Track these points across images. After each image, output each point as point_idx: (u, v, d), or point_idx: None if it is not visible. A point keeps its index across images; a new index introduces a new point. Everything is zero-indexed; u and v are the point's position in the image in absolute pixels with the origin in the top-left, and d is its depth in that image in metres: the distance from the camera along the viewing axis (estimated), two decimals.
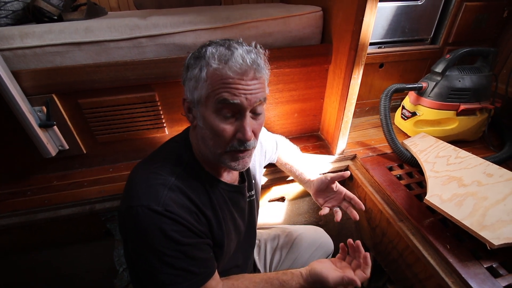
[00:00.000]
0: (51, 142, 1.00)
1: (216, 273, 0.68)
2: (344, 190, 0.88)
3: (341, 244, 0.82)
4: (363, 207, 0.83)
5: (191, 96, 0.61)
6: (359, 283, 0.69)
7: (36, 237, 1.08)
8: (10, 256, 1.11)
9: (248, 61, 0.56)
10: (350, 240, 0.79)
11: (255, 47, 0.61)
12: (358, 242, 0.77)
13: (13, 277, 1.13)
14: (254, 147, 0.65)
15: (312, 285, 0.72)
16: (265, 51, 0.63)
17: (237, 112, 0.60)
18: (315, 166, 1.12)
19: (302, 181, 1.00)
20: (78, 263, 1.15)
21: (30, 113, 0.91)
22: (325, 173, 1.09)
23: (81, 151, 1.09)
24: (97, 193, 1.04)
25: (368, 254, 0.74)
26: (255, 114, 0.63)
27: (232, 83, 0.56)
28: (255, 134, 0.64)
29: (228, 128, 0.60)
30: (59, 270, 1.15)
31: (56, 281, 1.15)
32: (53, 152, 1.00)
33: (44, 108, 0.95)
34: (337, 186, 0.88)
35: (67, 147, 1.05)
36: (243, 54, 0.57)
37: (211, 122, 0.59)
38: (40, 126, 0.95)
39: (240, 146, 0.62)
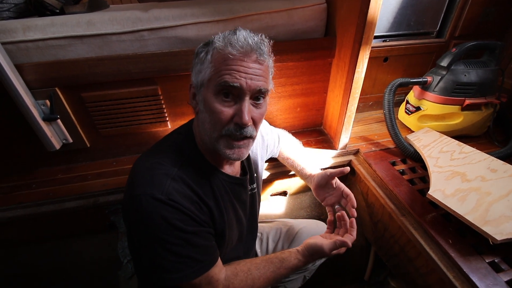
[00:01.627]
0: (55, 135, 1.01)
1: (219, 260, 0.69)
2: (342, 186, 0.88)
3: (328, 219, 0.87)
4: (355, 205, 0.83)
5: (196, 80, 0.64)
6: (349, 244, 0.75)
7: (41, 229, 1.09)
8: (16, 247, 1.12)
9: (250, 41, 0.59)
10: (338, 214, 0.83)
11: (260, 36, 0.63)
12: (343, 211, 0.82)
13: (19, 268, 1.15)
14: (252, 137, 0.65)
15: (310, 257, 0.76)
16: (270, 41, 0.64)
17: (236, 96, 0.61)
18: (316, 161, 1.11)
19: (303, 176, 1.00)
20: (83, 255, 1.17)
21: (34, 107, 0.92)
22: (326, 168, 1.09)
23: (85, 144, 1.10)
24: (101, 186, 1.05)
25: (353, 219, 0.80)
26: (256, 102, 0.63)
27: (233, 64, 0.58)
28: (255, 123, 0.64)
29: (226, 110, 0.60)
30: (64, 261, 1.16)
31: (61, 272, 1.17)
32: (57, 145, 1.01)
33: (48, 102, 0.95)
34: (336, 182, 0.88)
35: (71, 140, 1.06)
36: (245, 35, 0.59)
37: (210, 103, 0.61)
38: (44, 119, 0.95)
39: (236, 130, 0.61)
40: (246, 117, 0.60)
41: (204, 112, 0.63)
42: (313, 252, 0.76)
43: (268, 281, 0.73)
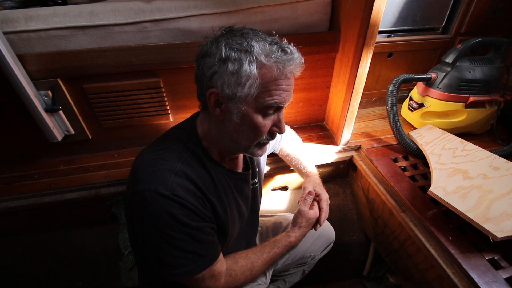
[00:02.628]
0: (57, 126, 1.01)
1: (221, 255, 0.70)
2: (321, 199, 0.86)
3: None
4: (321, 224, 0.83)
5: (229, 91, 0.57)
6: (313, 192, 0.83)
7: (43, 219, 1.10)
8: (18, 237, 1.14)
9: (301, 62, 0.60)
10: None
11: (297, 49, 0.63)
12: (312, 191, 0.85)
13: (20, 258, 1.16)
14: None
15: (297, 229, 0.81)
16: (303, 62, 0.64)
17: (276, 109, 0.63)
18: (313, 160, 1.11)
19: (300, 173, 1.03)
20: (84, 245, 1.18)
21: (36, 97, 0.92)
22: (327, 164, 1.10)
23: (87, 136, 1.10)
24: (103, 178, 1.05)
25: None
26: None
27: (284, 84, 0.59)
28: None
29: (267, 123, 0.63)
30: (66, 252, 1.17)
31: (62, 262, 1.18)
32: (59, 136, 1.01)
33: (50, 93, 0.95)
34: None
35: (72, 132, 1.06)
36: (299, 56, 0.60)
37: (254, 119, 0.61)
38: (46, 110, 0.95)
39: (271, 138, 0.67)
40: (284, 128, 0.66)
41: (240, 124, 0.62)
42: (295, 220, 0.81)
43: (266, 262, 0.76)
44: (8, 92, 0.90)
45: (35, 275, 1.18)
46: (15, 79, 0.85)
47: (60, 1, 1.07)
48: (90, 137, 1.12)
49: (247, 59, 0.55)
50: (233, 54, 0.55)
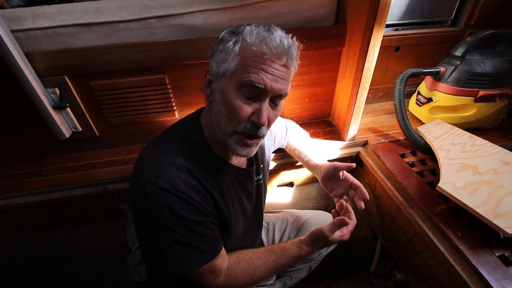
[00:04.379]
0: (64, 124, 1.02)
1: (223, 250, 0.70)
2: (351, 177, 0.86)
3: (333, 211, 0.85)
4: (367, 197, 0.81)
5: (217, 69, 0.60)
6: (347, 221, 0.73)
7: (52, 215, 1.12)
8: (27, 233, 1.16)
9: (285, 43, 0.58)
10: (341, 203, 0.82)
11: (292, 37, 0.61)
12: (347, 204, 0.81)
13: (29, 253, 1.19)
14: (263, 136, 0.65)
15: (312, 245, 0.76)
16: (300, 45, 0.63)
17: (257, 95, 0.59)
18: (323, 152, 1.10)
19: (310, 166, 1.00)
20: (92, 241, 1.20)
21: (43, 95, 0.93)
22: (333, 160, 1.08)
23: (94, 133, 1.11)
24: (110, 174, 1.06)
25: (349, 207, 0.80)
26: (274, 104, 0.63)
27: (263, 64, 0.56)
28: (269, 123, 0.64)
29: (245, 108, 0.59)
30: (74, 247, 1.19)
31: (72, 258, 1.20)
32: (66, 133, 1.03)
33: (57, 90, 0.96)
34: (344, 174, 0.86)
35: (80, 129, 1.07)
36: (282, 36, 0.58)
37: (230, 98, 0.59)
38: (54, 107, 0.96)
39: (252, 130, 0.61)
40: (265, 119, 0.59)
41: (220, 104, 0.61)
42: (314, 238, 0.76)
43: (269, 270, 0.74)
44: (16, 90, 0.92)
45: (45, 270, 1.21)
46: (23, 77, 0.86)
47: None
48: (97, 134, 1.13)
49: (235, 38, 0.58)
50: (227, 36, 0.60)
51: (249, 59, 0.56)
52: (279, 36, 0.58)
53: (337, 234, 0.74)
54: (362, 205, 0.80)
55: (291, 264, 0.76)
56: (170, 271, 0.62)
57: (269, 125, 0.65)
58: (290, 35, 0.62)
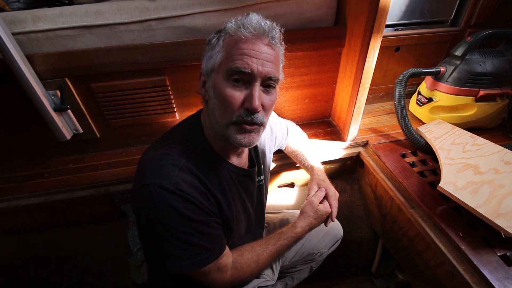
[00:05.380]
0: (66, 126, 1.03)
1: (227, 249, 0.70)
2: (328, 195, 0.85)
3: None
4: (333, 220, 0.85)
5: (206, 67, 0.64)
6: (325, 192, 0.83)
7: (53, 217, 1.12)
8: (29, 234, 1.16)
9: (263, 24, 0.59)
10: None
11: (271, 22, 0.62)
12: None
13: (31, 254, 1.19)
14: (262, 124, 0.64)
15: (304, 220, 0.80)
16: (281, 29, 0.64)
17: (247, 81, 0.60)
18: (320, 155, 1.10)
19: (305, 168, 1.02)
20: (94, 242, 1.20)
21: (45, 97, 0.93)
22: (333, 160, 1.09)
23: (95, 135, 1.12)
24: (111, 176, 1.06)
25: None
26: (267, 89, 0.62)
27: (245, 48, 0.57)
28: (265, 110, 0.63)
29: (236, 95, 0.59)
30: (76, 249, 1.20)
31: (73, 259, 1.21)
32: (68, 135, 1.03)
33: (58, 92, 0.96)
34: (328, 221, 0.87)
35: (81, 131, 1.07)
36: (258, 18, 0.59)
37: (221, 88, 0.60)
38: (55, 110, 0.97)
39: (247, 116, 0.60)
40: (257, 102, 0.58)
41: (214, 98, 0.62)
42: (303, 212, 0.80)
43: (272, 254, 0.76)
44: (17, 92, 0.92)
45: (46, 271, 1.21)
46: (24, 79, 0.86)
47: (66, 1, 1.08)
48: (98, 135, 1.13)
49: (219, 34, 0.62)
50: (212, 35, 0.63)
51: (232, 47, 0.58)
52: (255, 18, 0.59)
53: (323, 204, 0.81)
54: (327, 223, 0.84)
55: (291, 245, 0.79)
56: (177, 269, 0.62)
57: (266, 112, 0.64)
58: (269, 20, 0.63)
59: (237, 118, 0.60)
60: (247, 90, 0.60)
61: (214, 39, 0.62)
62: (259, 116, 0.61)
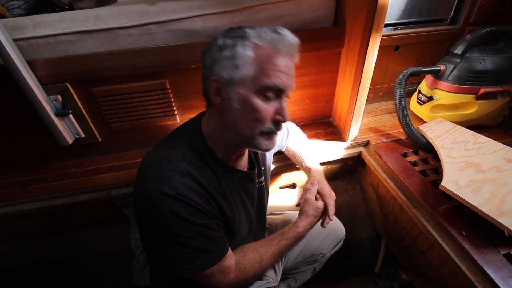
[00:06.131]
0: (67, 130, 1.03)
1: (230, 250, 0.71)
2: (323, 195, 0.85)
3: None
4: (331, 218, 0.82)
5: (228, 76, 0.59)
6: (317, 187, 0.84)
7: (56, 221, 1.13)
8: (32, 239, 1.17)
9: (295, 42, 0.60)
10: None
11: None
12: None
13: (34, 258, 1.19)
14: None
15: (304, 217, 0.80)
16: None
17: (276, 95, 0.62)
18: (318, 156, 1.10)
19: (303, 169, 1.02)
20: (96, 246, 1.20)
21: (46, 102, 0.94)
22: (333, 161, 1.09)
23: (96, 139, 1.12)
24: (113, 179, 1.07)
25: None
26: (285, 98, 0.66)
27: (281, 65, 0.59)
28: None
29: (269, 109, 0.62)
30: (79, 252, 1.20)
31: (76, 263, 1.21)
32: (69, 140, 1.03)
33: (59, 97, 0.97)
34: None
35: (83, 135, 1.08)
36: (292, 35, 0.60)
37: (253, 103, 0.60)
38: (56, 114, 0.97)
39: (276, 128, 0.65)
40: (288, 115, 0.63)
41: (239, 111, 0.61)
42: (302, 209, 0.81)
43: (275, 254, 0.76)
44: (19, 97, 0.93)
45: (49, 275, 1.22)
46: (25, 84, 0.87)
47: (66, 7, 1.09)
48: (100, 139, 1.13)
49: (241, 42, 0.58)
50: (229, 41, 0.59)
51: (265, 61, 0.58)
52: (289, 35, 0.60)
53: (319, 203, 0.81)
54: (325, 225, 0.82)
55: (293, 245, 0.79)
56: (179, 274, 0.62)
57: None
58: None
59: (267, 130, 0.64)
60: (275, 103, 0.63)
61: (239, 49, 0.57)
62: (283, 124, 0.67)
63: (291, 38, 0.60)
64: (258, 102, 0.60)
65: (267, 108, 0.61)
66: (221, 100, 0.62)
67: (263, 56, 0.57)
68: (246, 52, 0.57)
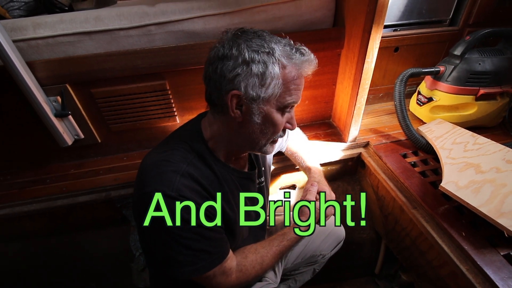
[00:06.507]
0: (67, 131, 1.03)
1: (231, 252, 0.71)
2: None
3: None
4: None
5: (253, 92, 0.58)
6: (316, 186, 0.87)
7: (55, 222, 1.12)
8: (31, 240, 1.16)
9: (316, 64, 0.64)
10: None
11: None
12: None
13: (33, 260, 1.19)
14: None
15: (302, 217, 0.82)
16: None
17: (291, 108, 0.67)
18: (318, 157, 1.11)
19: (303, 169, 1.03)
20: (96, 247, 1.20)
21: (46, 103, 0.94)
22: (334, 162, 1.09)
23: (96, 140, 1.12)
24: (112, 180, 1.06)
25: None
26: None
27: (300, 84, 0.63)
28: None
29: (284, 121, 0.66)
30: (78, 254, 1.20)
31: (76, 264, 1.21)
32: (69, 141, 1.03)
33: (59, 98, 0.97)
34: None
35: (82, 136, 1.08)
36: (314, 57, 0.64)
37: (275, 118, 0.64)
38: (56, 115, 0.97)
39: (283, 134, 0.70)
40: (295, 123, 0.69)
41: (260, 124, 0.63)
42: (299, 208, 0.83)
43: (275, 255, 0.77)
44: (18, 98, 0.92)
45: (49, 277, 1.21)
46: (25, 86, 0.87)
47: (66, 8, 1.09)
48: (99, 140, 1.13)
49: (271, 61, 0.58)
50: (257, 56, 0.57)
51: (291, 83, 0.61)
52: (313, 57, 0.63)
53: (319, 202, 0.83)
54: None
55: (294, 245, 0.81)
56: (181, 276, 0.62)
57: None
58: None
59: (277, 137, 0.69)
60: (288, 114, 0.67)
61: (269, 67, 0.57)
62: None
63: (314, 60, 0.63)
64: (278, 117, 0.64)
65: (283, 121, 0.65)
66: (241, 114, 0.62)
67: (288, 77, 0.60)
68: (274, 72, 0.58)
